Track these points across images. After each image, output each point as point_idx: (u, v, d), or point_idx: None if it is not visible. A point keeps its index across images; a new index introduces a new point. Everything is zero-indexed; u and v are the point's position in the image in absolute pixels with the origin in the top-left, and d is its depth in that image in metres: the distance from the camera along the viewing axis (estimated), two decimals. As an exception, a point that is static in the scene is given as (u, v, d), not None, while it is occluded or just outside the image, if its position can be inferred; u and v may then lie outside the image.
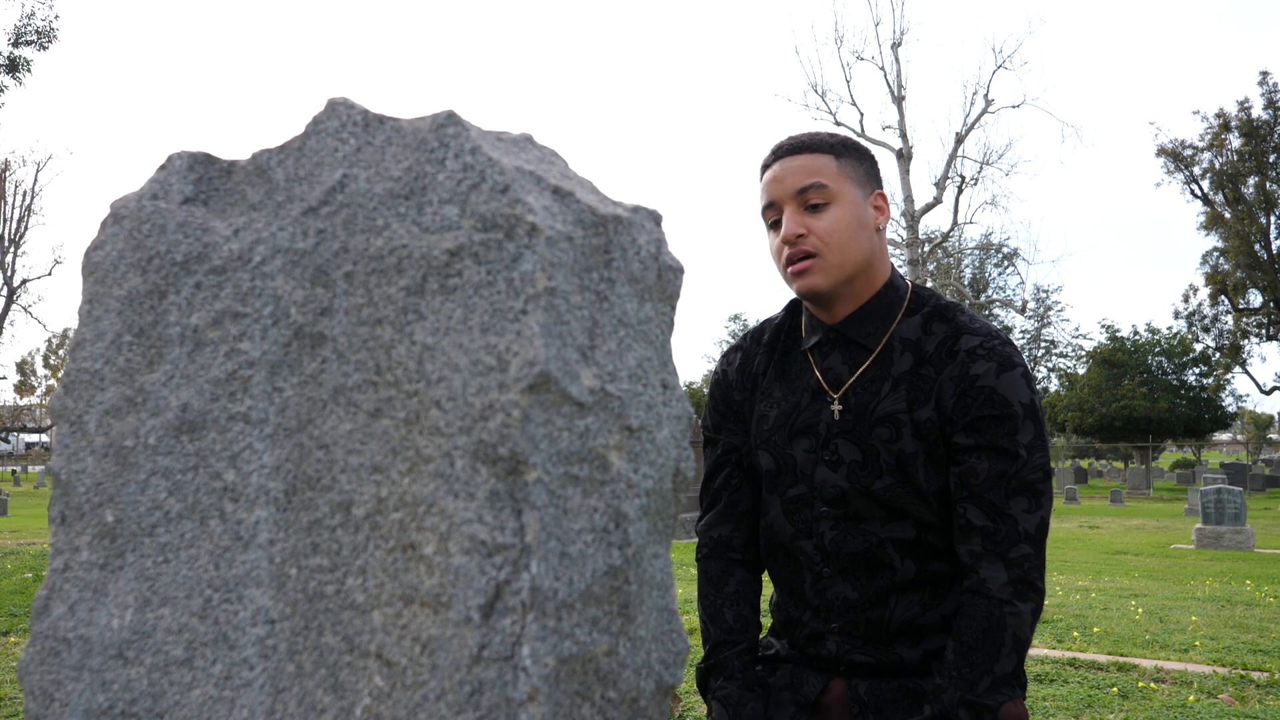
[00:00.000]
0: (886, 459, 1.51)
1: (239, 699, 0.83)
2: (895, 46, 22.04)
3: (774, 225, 1.57)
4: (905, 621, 1.53)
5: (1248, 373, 40.01)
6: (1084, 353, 42.35)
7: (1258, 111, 35.60)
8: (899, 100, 21.98)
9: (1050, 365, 43.77)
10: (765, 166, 1.59)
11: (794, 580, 1.60)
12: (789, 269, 1.54)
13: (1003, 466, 1.45)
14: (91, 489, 0.92)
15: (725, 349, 1.80)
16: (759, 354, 1.69)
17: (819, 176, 1.52)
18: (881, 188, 1.59)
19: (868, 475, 1.52)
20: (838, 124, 21.76)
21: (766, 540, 1.64)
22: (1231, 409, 40.73)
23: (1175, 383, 39.00)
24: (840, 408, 1.56)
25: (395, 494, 0.78)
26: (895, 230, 21.68)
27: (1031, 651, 5.08)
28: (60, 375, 0.97)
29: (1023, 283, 40.61)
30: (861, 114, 22.55)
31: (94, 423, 0.93)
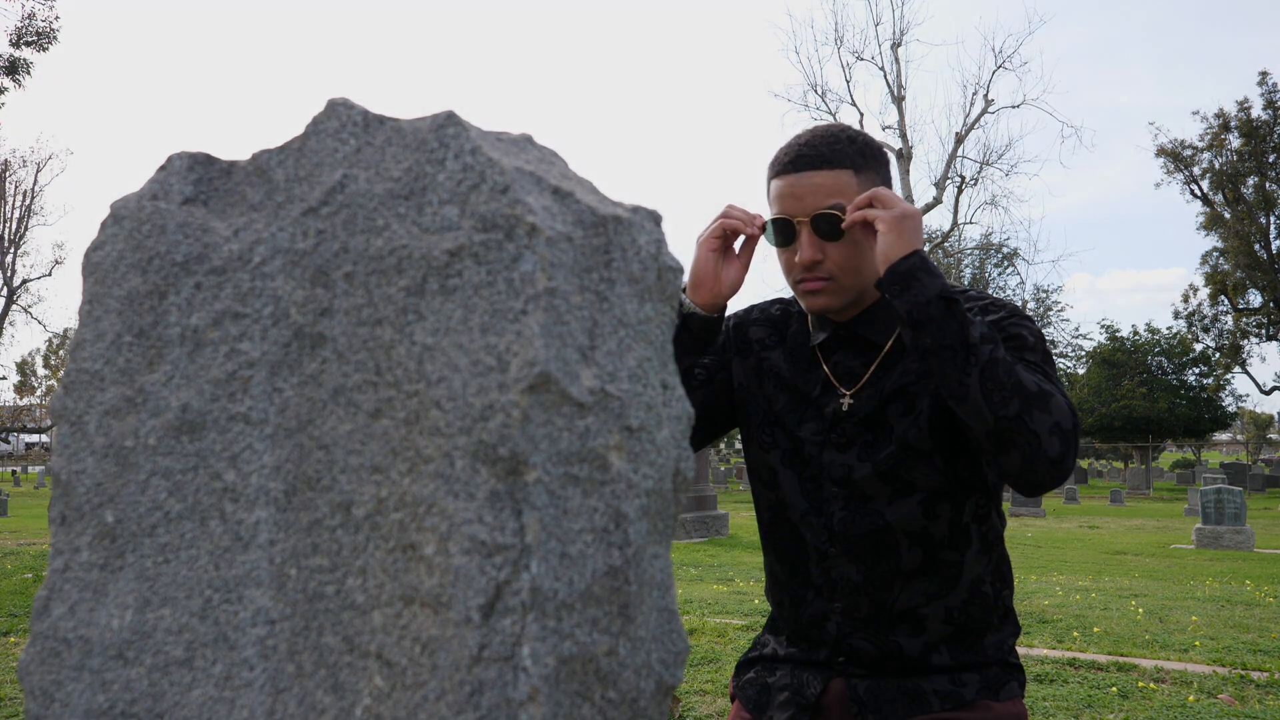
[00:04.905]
0: (897, 430, 1.53)
1: (239, 699, 0.83)
2: (895, 46, 22.05)
3: (782, 228, 1.55)
4: (908, 609, 1.53)
5: (1247, 373, 40.02)
6: (1084, 353, 42.34)
7: (1257, 112, 35.61)
8: (899, 100, 21.98)
9: (1050, 365, 43.63)
10: (782, 172, 1.54)
11: (799, 557, 1.61)
12: (800, 286, 1.54)
13: (1014, 347, 1.49)
14: (91, 489, 0.92)
15: (743, 307, 1.80)
16: (769, 332, 1.70)
17: (840, 198, 1.49)
18: (892, 187, 1.59)
19: (875, 450, 1.54)
20: (838, 124, 21.73)
21: (773, 515, 1.64)
22: (1231, 409, 40.72)
23: (1175, 383, 38.99)
24: (851, 401, 1.57)
25: (395, 494, 0.78)
26: (895, 230, 21.66)
27: (1031, 651, 5.08)
28: (60, 375, 0.97)
29: (1023, 283, 40.56)
30: (861, 114, 22.57)
31: (94, 423, 0.93)
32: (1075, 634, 5.74)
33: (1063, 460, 1.36)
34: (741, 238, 1.55)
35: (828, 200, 1.49)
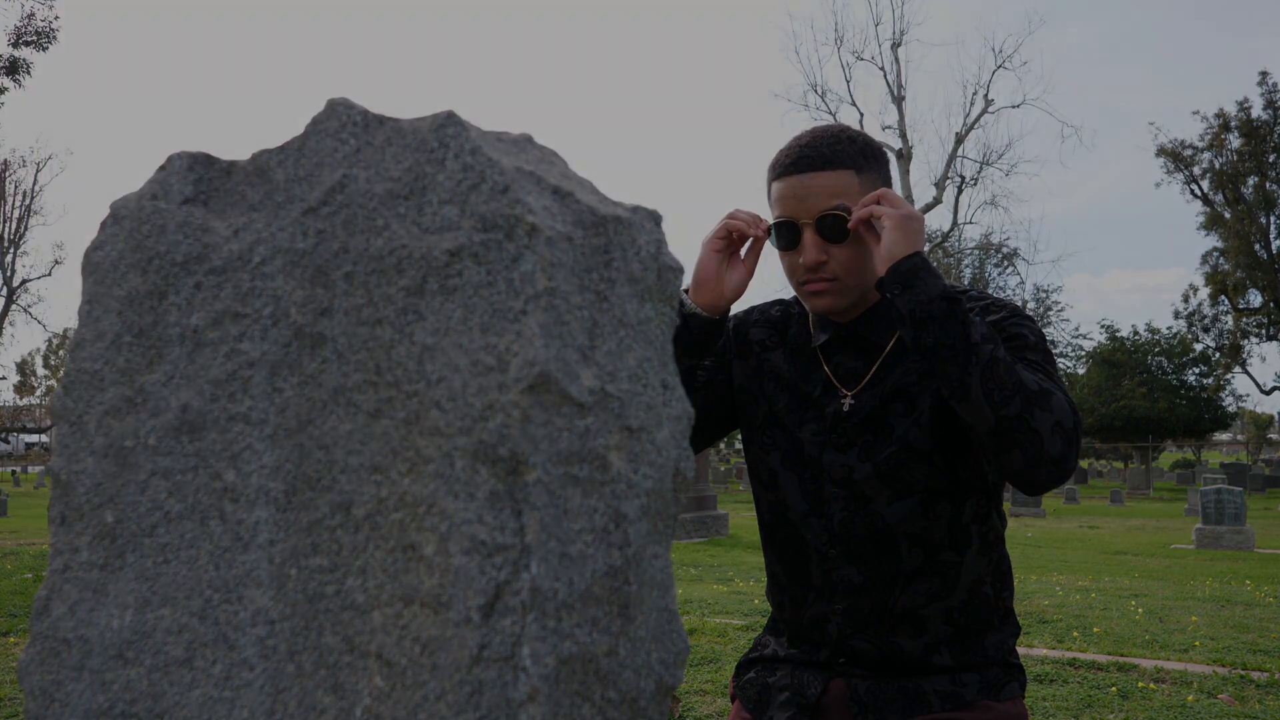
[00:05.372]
0: (898, 430, 1.53)
1: (239, 699, 0.83)
2: (895, 46, 22.06)
3: (786, 231, 1.55)
4: (908, 610, 1.53)
5: (1248, 373, 40.05)
6: (1084, 353, 42.33)
7: (1257, 112, 35.63)
8: (899, 100, 21.99)
9: (1050, 365, 43.63)
10: (784, 174, 1.53)
11: (800, 558, 1.61)
12: (805, 288, 1.54)
13: (1015, 347, 1.50)
14: (91, 489, 0.92)
15: (745, 308, 1.80)
16: (769, 333, 1.70)
17: (843, 199, 1.49)
18: (892, 187, 1.59)
19: (875, 450, 1.54)
20: (838, 124, 21.78)
21: (773, 516, 1.64)
22: (1231, 409, 40.72)
23: (1175, 383, 38.97)
24: (852, 401, 1.57)
25: (395, 494, 0.78)
26: (895, 230, 21.71)
27: (1031, 651, 5.08)
28: (60, 375, 0.97)
29: (1023, 283, 40.54)
30: (861, 114, 22.60)
31: (94, 423, 0.93)
32: (1075, 634, 5.74)
33: (1064, 459, 1.37)
34: (748, 242, 1.56)
35: (830, 201, 1.49)
